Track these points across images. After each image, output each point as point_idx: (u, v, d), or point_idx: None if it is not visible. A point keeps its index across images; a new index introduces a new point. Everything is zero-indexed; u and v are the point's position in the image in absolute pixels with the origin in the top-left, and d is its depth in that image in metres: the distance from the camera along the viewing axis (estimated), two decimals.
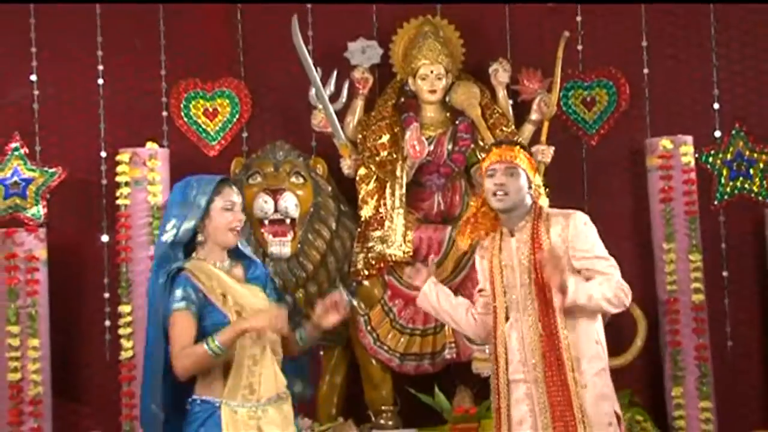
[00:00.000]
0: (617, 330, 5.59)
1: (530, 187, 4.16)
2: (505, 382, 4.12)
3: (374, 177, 5.83)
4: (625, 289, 4.08)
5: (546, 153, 5.88)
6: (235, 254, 3.96)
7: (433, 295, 4.34)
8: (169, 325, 3.78)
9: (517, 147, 4.20)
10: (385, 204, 5.77)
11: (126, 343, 5.87)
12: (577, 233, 4.09)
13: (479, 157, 5.75)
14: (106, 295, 6.15)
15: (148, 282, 3.99)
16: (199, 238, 3.87)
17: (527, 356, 4.08)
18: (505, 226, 4.18)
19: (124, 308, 5.89)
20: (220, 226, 3.86)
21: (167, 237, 3.86)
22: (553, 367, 4.03)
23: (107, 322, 6.12)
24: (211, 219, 3.86)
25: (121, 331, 5.90)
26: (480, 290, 4.33)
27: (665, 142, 6.09)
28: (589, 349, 4.10)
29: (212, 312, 3.81)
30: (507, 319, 4.13)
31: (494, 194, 4.11)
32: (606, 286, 4.04)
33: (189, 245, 3.92)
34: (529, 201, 4.15)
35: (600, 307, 4.05)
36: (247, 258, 3.97)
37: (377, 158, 5.83)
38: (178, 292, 3.77)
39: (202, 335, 3.76)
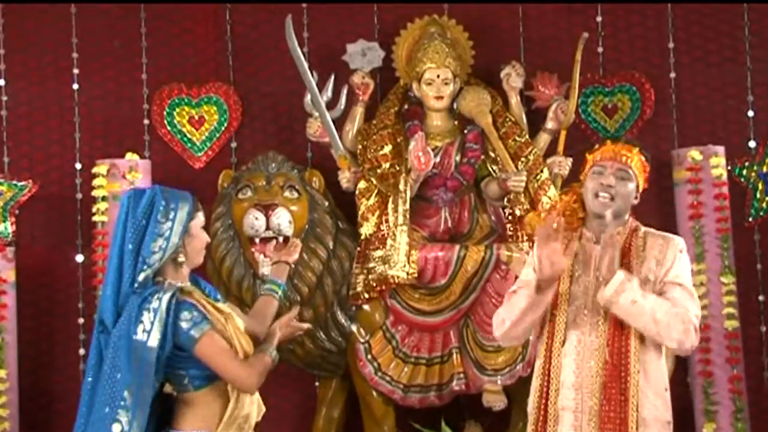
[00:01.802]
0: None
1: (636, 198, 4.08)
2: (552, 409, 3.95)
3: (375, 191, 5.82)
4: (689, 326, 3.87)
5: (563, 165, 5.84)
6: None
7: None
8: (202, 353, 3.67)
9: (636, 149, 4.09)
10: (387, 221, 5.75)
11: None
12: (674, 259, 3.99)
13: (490, 169, 5.85)
14: (81, 320, 6.11)
15: (105, 303, 3.80)
16: (180, 258, 3.80)
17: (583, 381, 3.93)
18: (591, 230, 4.04)
19: None
20: (198, 246, 3.84)
21: (158, 257, 3.74)
22: (614, 401, 3.89)
23: (82, 351, 6.05)
24: (191, 238, 3.81)
25: None
26: (523, 282, 4.05)
27: (694, 153, 6.06)
28: (658, 395, 3.95)
29: None
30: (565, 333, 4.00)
31: (597, 195, 3.99)
32: (665, 307, 3.87)
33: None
34: (628, 212, 4.08)
35: (644, 325, 3.86)
36: (193, 276, 3.94)
37: (379, 171, 5.82)
38: (195, 314, 3.68)
39: (195, 366, 3.71)
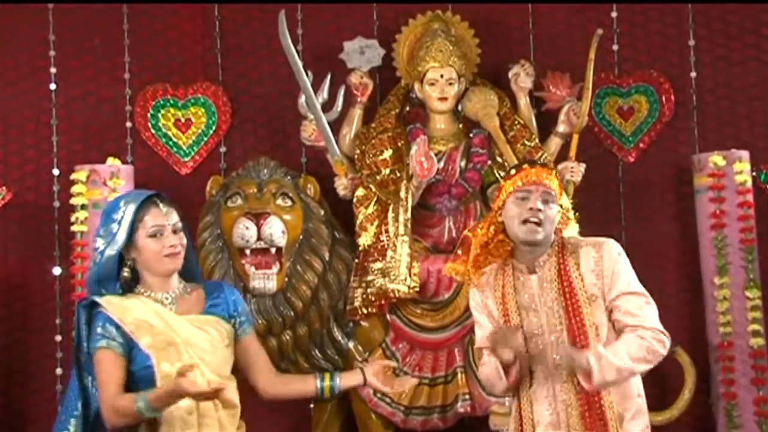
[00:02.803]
0: (661, 380, 5.68)
1: (561, 222, 4.19)
2: None
3: (374, 199, 5.82)
4: (660, 337, 4.02)
5: (576, 171, 5.83)
6: (200, 279, 4.13)
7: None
8: (94, 368, 3.91)
9: (554, 171, 4.18)
10: (387, 231, 5.74)
11: None
12: (612, 266, 4.04)
13: (498, 175, 5.75)
14: (59, 338, 6.07)
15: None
16: (138, 266, 4.01)
17: (560, 417, 4.03)
18: (521, 260, 4.11)
19: None
20: (150, 256, 3.96)
21: (90, 274, 4.02)
22: (595, 429, 3.99)
23: (59, 370, 6.04)
24: (138, 250, 3.97)
25: None
26: (481, 341, 4.20)
27: (716, 159, 6.03)
28: (632, 404, 4.06)
29: (138, 354, 3.88)
30: (530, 372, 4.08)
31: (525, 222, 4.03)
32: (633, 341, 3.97)
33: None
34: (554, 236, 4.15)
35: (633, 373, 4.01)
36: (213, 282, 4.15)
37: (378, 177, 5.81)
38: (98, 329, 3.88)
39: (132, 382, 3.86)
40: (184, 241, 4.03)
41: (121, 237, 3.94)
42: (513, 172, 4.16)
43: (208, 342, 3.94)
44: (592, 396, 3.97)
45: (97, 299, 3.95)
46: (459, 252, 4.24)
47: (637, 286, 4.07)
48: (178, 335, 3.91)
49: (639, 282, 4.09)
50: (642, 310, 4.02)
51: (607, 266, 4.03)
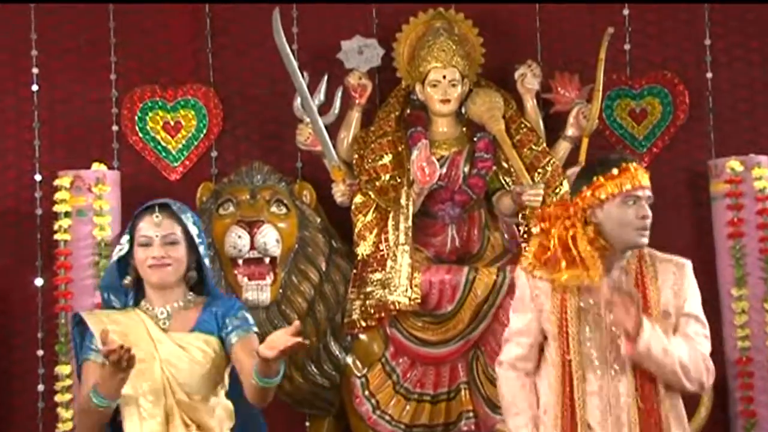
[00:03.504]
0: None
1: None
2: None
3: (374, 206, 5.82)
4: (709, 365, 4.04)
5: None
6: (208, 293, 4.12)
7: None
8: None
9: (645, 169, 4.16)
10: (386, 240, 5.74)
11: (64, 413, 5.81)
12: (689, 288, 4.07)
13: (503, 181, 5.83)
14: (41, 352, 6.04)
15: None
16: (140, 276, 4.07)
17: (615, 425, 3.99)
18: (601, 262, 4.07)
19: (63, 369, 5.83)
20: (138, 265, 4.03)
21: (100, 280, 4.28)
22: None
23: (41, 387, 6.02)
24: (135, 259, 4.04)
25: (58, 398, 5.82)
26: (518, 332, 4.14)
27: (734, 164, 6.02)
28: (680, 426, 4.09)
29: None
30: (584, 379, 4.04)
31: (637, 229, 4.00)
32: (687, 349, 3.97)
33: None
34: None
35: (672, 372, 3.94)
36: (217, 296, 4.12)
37: (377, 183, 5.81)
38: (87, 342, 3.95)
39: None
40: (179, 254, 4.01)
41: (124, 244, 4.05)
42: (615, 171, 4.06)
43: (186, 362, 3.92)
44: (652, 413, 3.96)
45: (81, 313, 4.03)
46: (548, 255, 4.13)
47: (701, 311, 4.10)
48: (159, 353, 3.92)
49: (701, 308, 4.13)
50: (701, 338, 4.06)
51: (686, 287, 4.06)
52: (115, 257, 4.06)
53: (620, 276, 4.03)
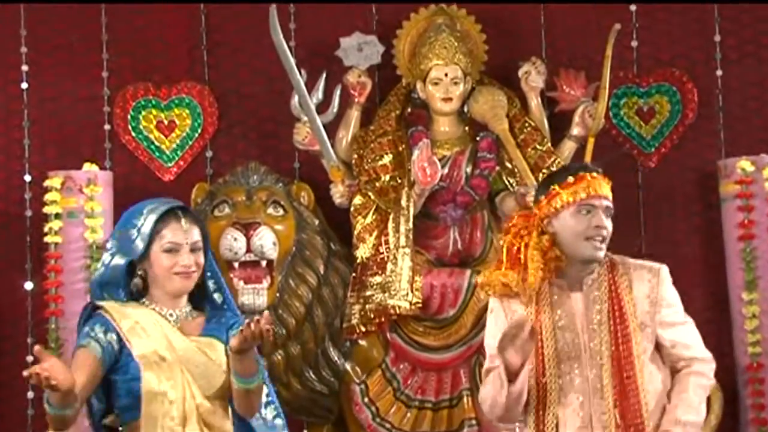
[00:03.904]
0: None
1: None
2: None
3: (373, 208, 5.82)
4: (713, 365, 4.09)
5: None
6: (208, 304, 4.04)
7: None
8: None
9: (607, 180, 4.11)
10: (386, 242, 5.74)
11: None
12: (666, 295, 4.03)
13: (506, 182, 5.83)
14: (30, 358, 5.84)
15: None
16: (149, 278, 3.97)
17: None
18: (564, 276, 4.01)
19: None
20: (160, 271, 3.90)
21: (96, 275, 3.96)
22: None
23: (31, 393, 5.97)
24: (150, 263, 3.91)
25: None
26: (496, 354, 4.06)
27: (744, 164, 5.99)
28: None
29: (130, 363, 3.82)
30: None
31: (589, 239, 3.95)
32: (698, 388, 4.02)
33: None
34: None
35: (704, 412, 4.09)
36: (218, 308, 4.04)
37: (377, 184, 5.81)
38: (86, 329, 3.86)
39: (118, 396, 3.84)
40: (201, 261, 3.97)
41: (139, 246, 3.89)
42: (571, 179, 4.03)
43: (203, 364, 3.84)
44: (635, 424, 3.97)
45: (100, 303, 3.92)
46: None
47: (684, 312, 4.09)
48: (175, 351, 3.84)
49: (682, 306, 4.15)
50: (693, 340, 4.06)
51: (664, 295, 4.02)
52: (124, 259, 3.91)
53: (592, 289, 3.99)
